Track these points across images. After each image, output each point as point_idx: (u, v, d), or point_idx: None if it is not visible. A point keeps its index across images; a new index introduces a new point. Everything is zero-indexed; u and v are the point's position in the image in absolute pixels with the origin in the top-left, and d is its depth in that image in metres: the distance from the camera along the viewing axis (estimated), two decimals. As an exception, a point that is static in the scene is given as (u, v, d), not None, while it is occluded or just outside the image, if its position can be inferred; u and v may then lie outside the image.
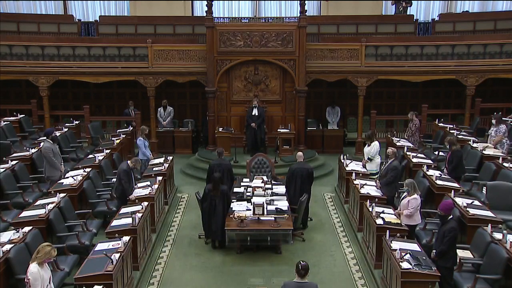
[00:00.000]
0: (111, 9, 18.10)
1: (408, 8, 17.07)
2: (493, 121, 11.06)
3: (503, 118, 11.38)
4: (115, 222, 7.57)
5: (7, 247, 6.43)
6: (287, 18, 13.31)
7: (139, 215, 7.66)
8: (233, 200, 8.71)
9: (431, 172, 9.49)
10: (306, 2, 12.64)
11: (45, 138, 10.16)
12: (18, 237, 6.71)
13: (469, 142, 11.14)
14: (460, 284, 6.31)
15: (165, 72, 13.31)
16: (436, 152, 11.43)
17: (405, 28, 16.15)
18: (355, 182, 9.27)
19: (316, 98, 14.92)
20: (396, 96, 15.36)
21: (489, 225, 6.96)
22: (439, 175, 9.29)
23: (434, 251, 6.42)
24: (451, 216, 6.46)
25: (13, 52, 13.40)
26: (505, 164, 9.51)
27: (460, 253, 6.72)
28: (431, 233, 7.53)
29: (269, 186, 9.50)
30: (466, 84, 13.37)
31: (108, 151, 11.09)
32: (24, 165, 9.94)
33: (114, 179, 9.58)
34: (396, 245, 6.58)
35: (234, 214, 8.13)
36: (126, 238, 6.86)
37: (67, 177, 9.29)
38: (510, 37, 13.81)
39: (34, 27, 16.21)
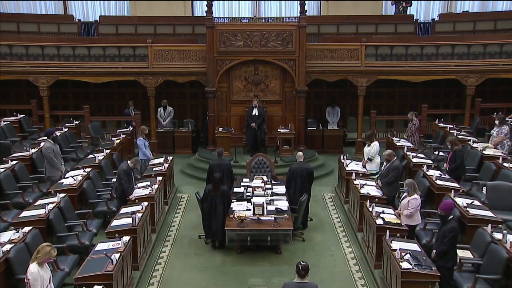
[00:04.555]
0: (111, 9, 18.10)
1: (408, 8, 17.07)
2: (496, 122, 11.03)
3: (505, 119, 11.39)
4: (115, 222, 7.57)
5: (7, 247, 6.43)
6: (287, 18, 13.34)
7: (139, 215, 7.66)
8: (233, 200, 8.71)
9: (431, 172, 9.49)
10: (306, 2, 12.63)
11: (46, 138, 10.16)
12: (18, 237, 6.71)
13: (469, 142, 11.14)
14: (460, 284, 6.31)
15: (165, 72, 13.30)
16: (436, 152, 11.42)
17: (405, 28, 16.15)
18: (355, 182, 9.27)
19: (316, 98, 14.92)
20: (396, 96, 15.36)
21: (489, 225, 6.96)
22: (439, 175, 9.29)
23: (435, 251, 6.43)
24: (452, 216, 6.46)
25: (13, 52, 13.39)
26: (505, 164, 9.51)
27: (460, 253, 6.72)
28: (431, 233, 7.53)
29: (269, 186, 9.49)
30: (466, 84, 13.36)
31: (108, 151, 11.09)
32: (24, 165, 9.93)
33: (114, 179, 9.58)
34: (396, 245, 6.57)
35: (234, 214, 8.13)
36: (126, 238, 6.86)
37: (67, 177, 9.29)
38: (510, 37, 13.80)
39: (34, 27, 16.20)
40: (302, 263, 5.47)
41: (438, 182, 8.94)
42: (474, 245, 6.93)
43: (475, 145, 10.91)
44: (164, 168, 10.33)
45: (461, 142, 10.62)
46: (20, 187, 9.34)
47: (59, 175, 9.57)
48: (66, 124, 13.09)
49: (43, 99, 13.56)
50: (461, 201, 7.95)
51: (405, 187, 7.83)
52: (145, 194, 8.81)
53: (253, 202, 8.33)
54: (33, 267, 5.39)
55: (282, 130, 12.64)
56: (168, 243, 8.77)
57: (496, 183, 8.88)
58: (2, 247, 6.36)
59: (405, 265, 6.09)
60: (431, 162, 10.41)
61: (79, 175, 9.33)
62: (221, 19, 13.13)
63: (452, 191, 8.39)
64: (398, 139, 12.35)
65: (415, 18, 16.85)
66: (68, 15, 17.49)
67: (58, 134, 11.35)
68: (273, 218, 8.08)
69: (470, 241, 7.15)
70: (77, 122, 13.48)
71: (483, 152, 10.35)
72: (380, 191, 8.92)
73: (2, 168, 9.28)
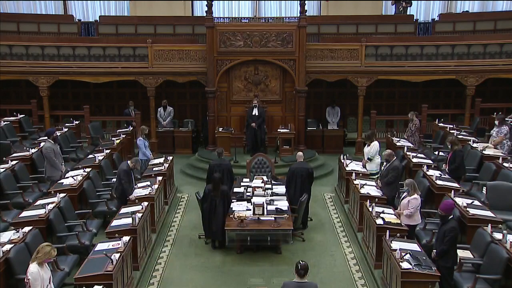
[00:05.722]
0: (111, 9, 18.11)
1: (408, 8, 17.09)
2: (496, 122, 11.04)
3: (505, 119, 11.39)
4: (115, 222, 7.57)
5: (7, 247, 6.43)
6: (287, 18, 13.32)
7: (139, 215, 7.66)
8: (233, 200, 8.71)
9: (431, 172, 9.49)
10: (306, 2, 12.63)
11: (46, 138, 10.16)
12: (18, 237, 6.71)
13: (469, 142, 11.14)
14: (460, 284, 6.32)
15: (165, 72, 13.30)
16: (436, 152, 11.43)
17: (405, 28, 16.15)
18: (355, 182, 9.27)
19: (316, 98, 14.92)
20: (396, 96, 15.35)
21: (489, 225, 6.96)
22: (439, 175, 9.29)
23: (435, 251, 6.43)
24: (452, 216, 6.46)
25: (13, 52, 13.39)
26: (505, 164, 9.51)
27: (460, 253, 6.72)
28: (431, 233, 7.53)
29: (269, 186, 9.49)
30: (466, 84, 13.36)
31: (108, 151, 11.09)
32: (24, 165, 9.93)
33: (114, 179, 9.58)
34: (396, 245, 6.58)
35: (234, 214, 8.13)
36: (126, 238, 6.86)
37: (67, 177, 9.28)
38: (510, 37, 13.81)
39: (34, 27, 16.21)
40: (301, 262, 5.47)
41: (438, 182, 8.94)
42: (474, 245, 6.93)
43: (475, 145, 10.91)
44: (164, 168, 10.33)
45: (461, 142, 10.62)
46: (20, 187, 9.34)
47: (59, 175, 9.56)
48: (66, 124, 13.10)
49: (43, 99, 13.56)
50: (461, 201, 7.95)
51: (405, 187, 7.83)
52: (145, 194, 8.81)
53: (253, 202, 8.33)
54: (33, 267, 5.39)
55: (282, 130, 12.63)
56: (168, 243, 8.76)
57: (496, 183, 8.88)
58: (2, 247, 6.36)
59: (405, 265, 6.09)
60: (431, 162, 10.41)
61: (79, 175, 9.32)
62: (221, 19, 13.13)
63: (452, 191, 8.39)
64: (398, 139, 12.35)
65: (415, 18, 16.87)
66: (68, 15, 17.50)
67: (58, 134, 11.34)
68: (273, 218, 8.08)
69: (470, 241, 7.15)
70: (77, 122, 13.49)
71: (483, 152, 10.35)
72: (380, 191, 8.92)
73: (2, 168, 9.29)
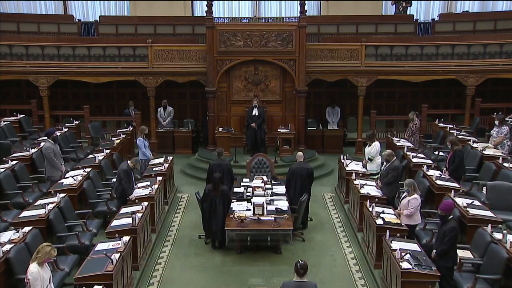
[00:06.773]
0: (111, 9, 18.12)
1: (408, 8, 17.09)
2: (496, 122, 11.04)
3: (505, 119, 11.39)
4: (115, 222, 7.57)
5: (7, 247, 6.42)
6: (287, 18, 13.34)
7: (139, 215, 7.66)
8: (233, 200, 8.71)
9: (431, 172, 9.49)
10: (306, 2, 12.64)
11: (46, 138, 10.16)
12: (18, 237, 6.71)
13: (469, 142, 11.14)
14: (460, 284, 6.31)
15: (165, 72, 13.31)
16: (436, 152, 11.43)
17: (405, 28, 16.16)
18: (355, 182, 9.27)
19: (316, 98, 14.91)
20: (396, 96, 15.35)
21: (489, 225, 6.96)
22: (439, 175, 9.29)
23: (435, 251, 6.43)
24: (452, 216, 6.46)
25: (13, 52, 13.40)
26: (505, 164, 9.51)
27: (460, 253, 6.71)
28: (431, 233, 7.53)
29: (269, 186, 9.49)
30: (466, 84, 13.36)
31: (108, 151, 11.09)
32: (24, 165, 9.93)
33: (114, 179, 9.58)
34: (396, 245, 6.58)
35: (234, 214, 8.13)
36: (126, 238, 6.86)
37: (67, 177, 9.29)
38: (510, 37, 13.81)
39: (34, 27, 16.22)
40: (300, 262, 5.47)
41: (438, 182, 8.94)
42: (474, 245, 6.93)
43: (475, 145, 10.91)
44: (164, 168, 10.33)
45: (461, 142, 10.61)
46: (20, 187, 9.34)
47: (59, 175, 9.57)
48: (66, 124, 13.10)
49: (43, 99, 13.57)
50: (461, 201, 7.95)
51: (405, 187, 7.83)
52: (145, 194, 8.81)
53: (253, 202, 8.33)
54: (33, 267, 5.39)
55: (282, 130, 12.64)
56: (168, 243, 8.77)
57: (496, 183, 8.88)
58: (2, 247, 6.36)
59: (405, 265, 6.09)
60: (431, 162, 10.41)
61: (79, 175, 9.33)
62: (221, 19, 13.14)
63: (452, 191, 8.39)
64: (398, 139, 12.35)
65: (415, 18, 16.87)
66: (68, 15, 17.50)
67: (58, 134, 11.35)
68: (273, 218, 8.08)
69: (470, 241, 7.15)
70: (77, 122, 13.49)
71: (483, 152, 10.35)
72: (380, 191, 8.92)
73: (2, 168, 9.28)
